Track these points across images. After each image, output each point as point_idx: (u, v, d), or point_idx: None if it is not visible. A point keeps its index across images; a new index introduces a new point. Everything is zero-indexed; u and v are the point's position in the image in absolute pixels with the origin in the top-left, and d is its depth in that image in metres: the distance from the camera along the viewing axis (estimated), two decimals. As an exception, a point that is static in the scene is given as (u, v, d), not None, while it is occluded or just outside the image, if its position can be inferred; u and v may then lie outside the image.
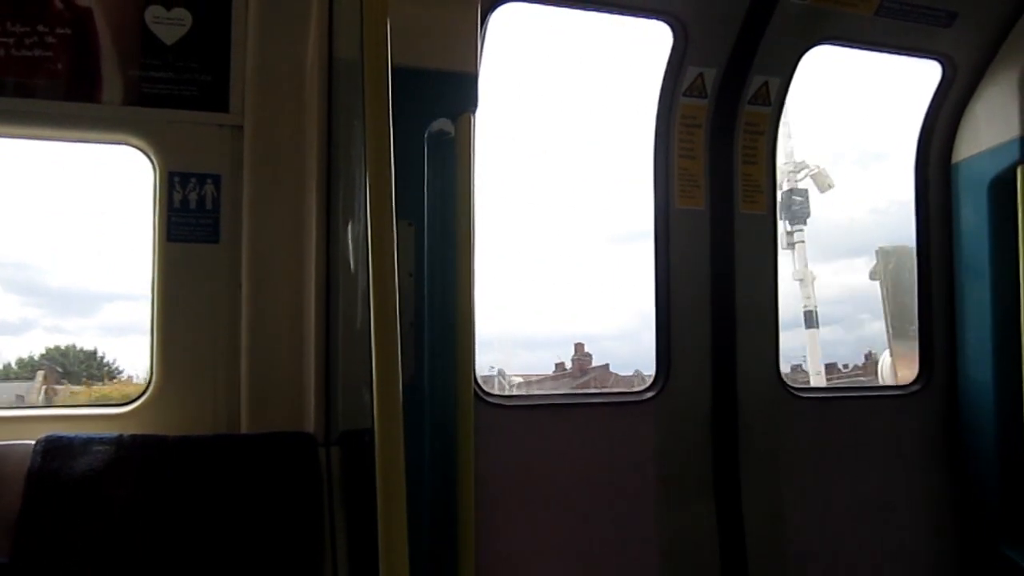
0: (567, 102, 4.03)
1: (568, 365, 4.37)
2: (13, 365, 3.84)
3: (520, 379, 4.18)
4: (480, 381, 3.31)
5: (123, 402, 2.86)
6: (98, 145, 2.93)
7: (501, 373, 4.26)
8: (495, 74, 3.25)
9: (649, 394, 3.68)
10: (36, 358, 3.93)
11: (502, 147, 3.57)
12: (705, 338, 3.73)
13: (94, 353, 3.92)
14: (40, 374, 3.89)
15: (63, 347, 3.95)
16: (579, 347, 4.27)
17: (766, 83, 3.75)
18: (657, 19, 3.59)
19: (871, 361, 4.49)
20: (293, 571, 2.52)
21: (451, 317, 2.83)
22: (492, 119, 3.17)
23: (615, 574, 3.54)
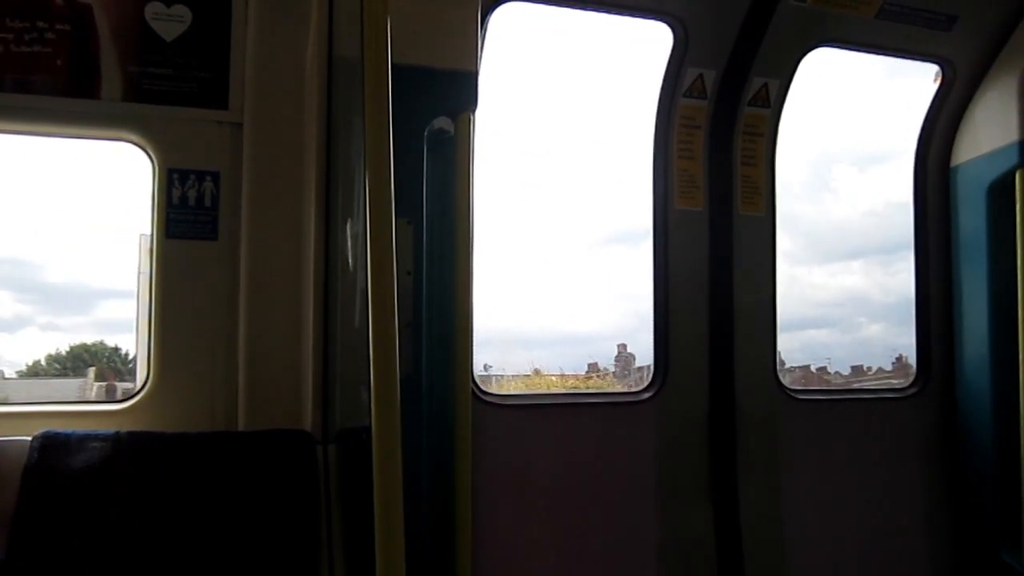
0: (567, 102, 4.03)
1: (601, 365, 4.37)
2: (43, 362, 3.84)
3: (555, 379, 4.19)
4: (478, 380, 3.31)
5: (120, 399, 2.86)
6: (97, 141, 2.93)
7: (537, 372, 4.27)
8: (495, 73, 3.25)
9: (647, 394, 3.68)
10: (64, 354, 3.92)
11: (502, 146, 3.57)
12: (703, 339, 3.73)
13: (117, 349, 3.92)
14: (92, 370, 3.88)
15: (90, 343, 3.94)
16: (622, 347, 4.30)
17: (766, 85, 3.75)
18: (657, 20, 3.59)
19: (902, 364, 4.47)
20: (290, 569, 2.51)
21: (449, 315, 2.83)
22: (492, 118, 3.18)
23: (611, 574, 3.54)
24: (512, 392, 3.92)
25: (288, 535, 2.53)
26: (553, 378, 4.33)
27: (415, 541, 2.12)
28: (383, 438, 1.98)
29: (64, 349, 3.90)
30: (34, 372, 3.73)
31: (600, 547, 3.52)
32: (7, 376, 3.69)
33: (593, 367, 4.47)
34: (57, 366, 3.86)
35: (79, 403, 2.96)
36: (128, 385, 3.13)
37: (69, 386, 3.85)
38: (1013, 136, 3.80)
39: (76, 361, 3.90)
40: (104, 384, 3.76)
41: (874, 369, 4.99)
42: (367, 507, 2.00)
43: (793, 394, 3.91)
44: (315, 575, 2.57)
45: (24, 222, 3.34)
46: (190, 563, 2.42)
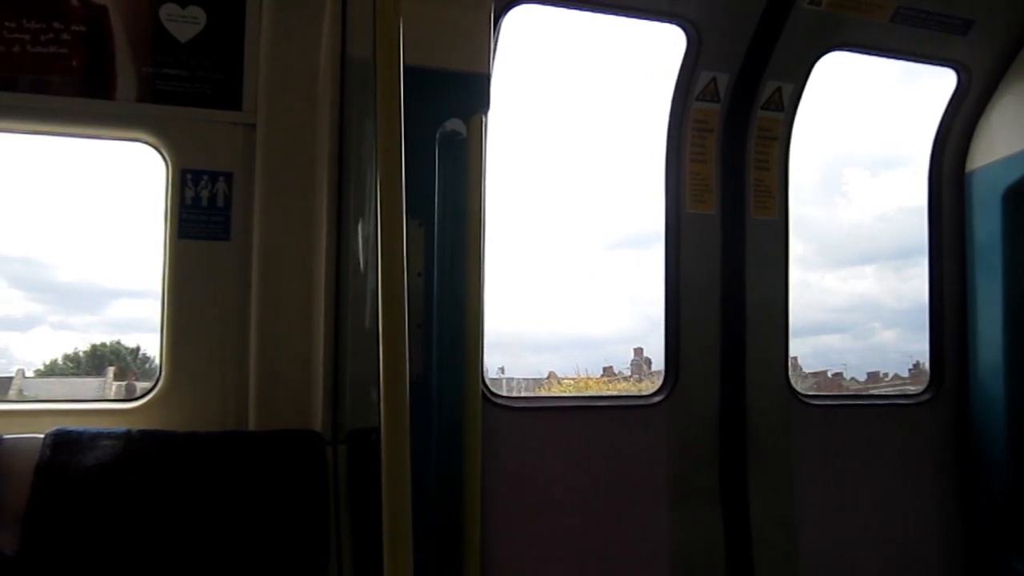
0: (579, 105, 4.03)
1: (616, 369, 4.40)
2: (59, 361, 3.88)
3: (571, 382, 4.23)
4: (488, 383, 3.31)
5: (131, 397, 2.87)
6: (111, 141, 2.95)
7: (552, 375, 4.31)
8: (508, 76, 3.25)
9: (657, 398, 3.67)
10: (81, 354, 3.95)
11: (514, 148, 3.57)
12: (714, 343, 3.72)
13: (137, 350, 3.94)
14: (111, 369, 3.92)
15: (109, 343, 3.98)
16: (638, 351, 4.33)
17: (779, 89, 3.73)
18: (671, 23, 3.58)
19: (919, 370, 4.45)
20: (299, 568, 2.52)
21: (460, 317, 2.83)
22: (505, 120, 3.18)
23: (620, 578, 3.53)
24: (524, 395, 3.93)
25: (297, 534, 2.54)
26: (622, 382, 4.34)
27: (423, 542, 2.12)
28: (392, 439, 1.98)
29: (83, 348, 3.93)
30: (50, 371, 3.76)
31: (610, 550, 3.51)
32: (27, 375, 3.72)
33: (608, 370, 4.47)
34: (71, 365, 3.88)
35: (91, 401, 2.98)
36: (147, 385, 3.16)
37: (88, 385, 3.87)
38: (1029, 142, 3.77)
39: (95, 360, 3.92)
40: (124, 383, 3.78)
41: (890, 376, 4.96)
42: (376, 508, 2.00)
43: (804, 399, 3.89)
44: (323, 574, 2.57)
45: (36, 221, 3.36)
46: (199, 561, 2.43)
